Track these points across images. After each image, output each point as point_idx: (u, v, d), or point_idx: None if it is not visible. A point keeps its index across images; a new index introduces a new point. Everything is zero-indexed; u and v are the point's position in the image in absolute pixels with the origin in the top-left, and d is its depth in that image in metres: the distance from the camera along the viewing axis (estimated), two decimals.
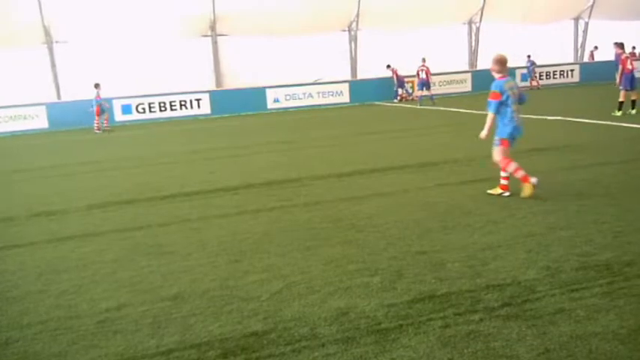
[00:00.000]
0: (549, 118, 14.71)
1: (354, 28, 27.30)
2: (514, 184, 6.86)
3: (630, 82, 14.43)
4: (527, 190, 6.65)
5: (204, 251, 5.53)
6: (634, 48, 32.20)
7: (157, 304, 4.27)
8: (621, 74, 14.63)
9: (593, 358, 3.08)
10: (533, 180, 6.65)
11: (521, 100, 6.92)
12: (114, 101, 23.16)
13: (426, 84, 23.06)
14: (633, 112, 14.35)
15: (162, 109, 24.34)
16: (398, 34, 26.97)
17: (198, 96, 24.78)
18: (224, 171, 10.35)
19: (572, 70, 29.05)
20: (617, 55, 15.35)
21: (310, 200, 7.43)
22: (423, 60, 23.23)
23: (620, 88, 14.61)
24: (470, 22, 28.96)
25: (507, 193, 6.87)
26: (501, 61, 6.79)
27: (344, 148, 12.41)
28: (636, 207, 5.97)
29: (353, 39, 27.57)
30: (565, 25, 30.86)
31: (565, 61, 29.53)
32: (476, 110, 18.28)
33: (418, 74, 23.30)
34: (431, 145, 11.85)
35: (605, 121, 13.18)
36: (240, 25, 25.17)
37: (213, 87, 25.93)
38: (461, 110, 19.00)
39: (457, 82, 27.65)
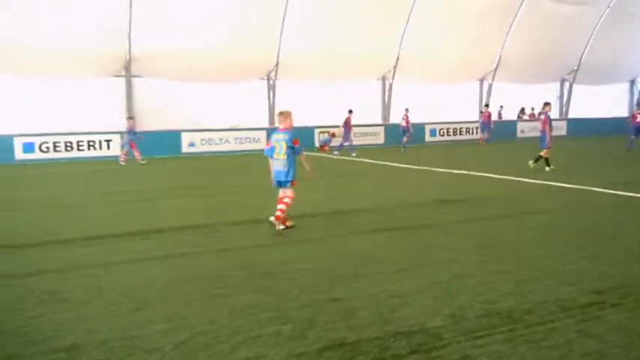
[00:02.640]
0: (455, 171, 15.48)
1: (273, 77, 27.75)
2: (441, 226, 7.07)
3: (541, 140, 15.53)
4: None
5: (103, 299, 5.20)
6: (533, 109, 35.04)
7: (49, 356, 3.93)
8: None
9: None
10: (272, 218, 8.05)
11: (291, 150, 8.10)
12: (15, 139, 21.87)
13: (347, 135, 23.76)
14: (531, 164, 15.39)
15: (69, 148, 23.21)
16: (316, 86, 27.72)
17: (108, 137, 23.92)
18: (132, 214, 9.94)
19: (476, 127, 30.99)
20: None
21: (222, 246, 7.26)
22: (349, 112, 23.85)
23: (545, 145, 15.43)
24: (383, 79, 30.33)
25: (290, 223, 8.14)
26: (281, 115, 8.32)
27: (259, 194, 12.33)
28: (534, 257, 6.33)
29: (272, 87, 27.98)
30: (471, 85, 33.16)
31: (470, 119, 31.52)
32: (390, 162, 18.96)
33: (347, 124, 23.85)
34: (344, 193, 12.05)
35: (506, 175, 14.05)
36: (156, 68, 24.82)
37: (124, 128, 25.18)
38: (374, 162, 19.59)
39: (371, 134, 28.65)
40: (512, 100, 33.78)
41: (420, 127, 28.34)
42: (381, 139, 28.43)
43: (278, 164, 8.09)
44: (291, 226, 8.17)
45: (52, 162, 22.26)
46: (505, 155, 22.30)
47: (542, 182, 12.69)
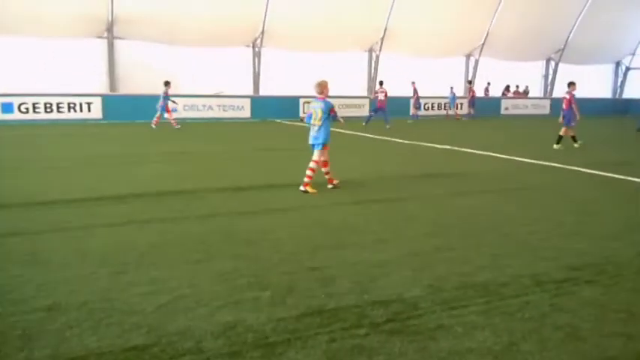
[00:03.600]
0: (438, 146, 15.57)
1: (259, 45, 27.40)
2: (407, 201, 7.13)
3: (565, 119, 15.64)
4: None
5: (84, 262, 5.19)
6: (517, 87, 35.21)
7: (29, 316, 3.93)
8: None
9: None
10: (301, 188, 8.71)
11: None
12: None
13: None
14: (575, 144, 15.54)
15: (48, 110, 22.82)
16: (302, 55, 27.46)
17: (89, 99, 23.53)
18: (112, 179, 9.85)
19: (461, 103, 31.09)
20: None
21: (203, 213, 7.26)
22: (380, 83, 23.62)
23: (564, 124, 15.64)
24: (370, 51, 30.13)
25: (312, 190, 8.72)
26: (318, 85, 8.95)
27: (242, 162, 12.31)
28: (514, 232, 6.44)
29: (257, 55, 27.65)
30: (458, 60, 33.14)
31: (457, 94, 31.59)
32: (370, 134, 18.98)
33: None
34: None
35: (489, 152, 14.17)
36: (139, 30, 24.34)
37: (106, 91, 24.77)
38: (357, 133, 19.60)
39: (355, 106, 28.58)
40: (497, 78, 33.94)
41: (405, 101, 28.35)
42: (365, 111, 28.39)
43: (313, 129, 8.96)
44: (338, 185, 9.16)
45: (32, 123, 21.89)
46: (490, 132, 22.46)
47: (525, 160, 12.84)
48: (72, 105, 23.19)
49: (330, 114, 8.89)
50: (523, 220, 7.02)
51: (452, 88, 30.19)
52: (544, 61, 35.74)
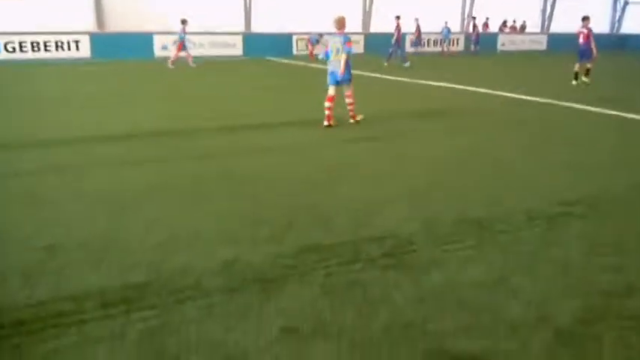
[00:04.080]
0: (433, 83, 15.40)
1: None
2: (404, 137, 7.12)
3: (580, 54, 15.25)
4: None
5: (81, 202, 5.21)
6: (514, 21, 34.46)
7: (29, 254, 3.98)
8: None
9: (462, 304, 3.33)
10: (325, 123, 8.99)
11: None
12: None
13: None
14: (585, 79, 15.23)
15: (36, 49, 22.28)
16: None
17: (76, 37, 22.94)
18: (107, 118, 9.75)
19: (457, 39, 30.53)
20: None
21: (199, 153, 7.24)
22: (397, 17, 22.69)
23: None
24: None
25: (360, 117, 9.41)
26: (336, 21, 9.06)
27: (236, 101, 12.18)
28: (508, 167, 6.48)
29: None
30: None
31: (452, 30, 30.95)
32: (366, 72, 18.70)
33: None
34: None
35: (487, 89, 14.04)
36: None
37: (94, 29, 24.12)
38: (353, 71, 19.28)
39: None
40: (494, 12, 33.15)
41: (403, 37, 27.76)
42: (360, 48, 27.86)
43: (335, 65, 9.08)
44: (362, 119, 9.49)
45: (19, 63, 21.42)
46: (487, 68, 22.16)
47: (522, 97, 12.75)
48: (60, 44, 22.64)
49: (346, 45, 8.98)
50: (517, 156, 7.05)
51: (446, 22, 29.50)
52: None
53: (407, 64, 21.37)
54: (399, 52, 22.17)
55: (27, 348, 2.87)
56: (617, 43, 35.67)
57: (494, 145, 7.74)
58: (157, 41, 24.11)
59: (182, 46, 20.34)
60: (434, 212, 4.93)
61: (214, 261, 3.88)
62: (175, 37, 20.55)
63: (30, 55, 22.07)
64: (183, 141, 7.92)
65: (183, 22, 20.42)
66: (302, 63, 22.98)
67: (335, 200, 5.26)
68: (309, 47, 24.47)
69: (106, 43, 23.31)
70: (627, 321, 3.14)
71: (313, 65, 21.40)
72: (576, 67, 15.40)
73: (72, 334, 3.00)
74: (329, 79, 9.25)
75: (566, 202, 5.22)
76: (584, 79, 15.23)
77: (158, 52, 24.13)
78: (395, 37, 22.20)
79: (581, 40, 15.25)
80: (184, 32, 20.40)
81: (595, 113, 10.53)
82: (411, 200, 5.27)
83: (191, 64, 20.42)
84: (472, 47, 29.77)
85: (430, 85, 15.13)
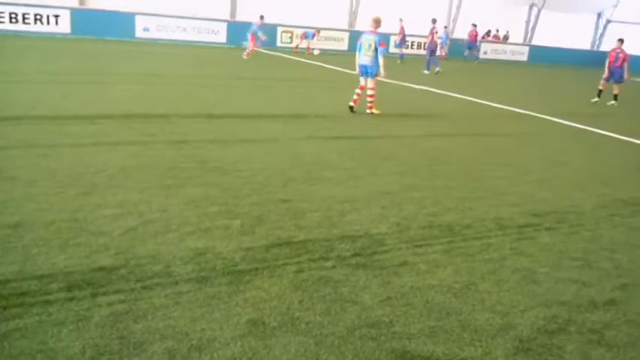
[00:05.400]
0: (415, 87, 15.50)
1: None
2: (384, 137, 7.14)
3: (611, 74, 15.12)
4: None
5: (52, 180, 5.10)
6: (497, 31, 34.86)
7: None
8: (608, 66, 15.16)
9: (429, 307, 3.37)
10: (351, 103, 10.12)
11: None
12: None
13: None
14: (612, 103, 15.02)
15: (13, 20, 21.69)
16: None
17: (57, 12, 22.40)
18: (81, 97, 9.56)
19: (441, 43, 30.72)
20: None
21: (175, 138, 7.16)
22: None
23: (603, 78, 15.23)
24: None
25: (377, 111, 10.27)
26: (374, 21, 10.16)
27: (216, 89, 12.06)
28: (482, 176, 6.56)
29: None
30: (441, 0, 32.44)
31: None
32: (350, 70, 18.71)
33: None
34: (304, 97, 11.93)
35: (468, 96, 14.18)
36: None
37: (75, 4, 23.60)
38: (336, 68, 19.31)
39: (336, 39, 27.99)
40: (479, 21, 33.35)
41: (386, 37, 27.85)
42: (344, 46, 27.87)
43: (365, 59, 10.13)
44: (378, 114, 10.20)
45: None
46: (469, 75, 22.37)
47: (499, 106, 12.91)
48: (38, 17, 22.09)
49: (379, 47, 9.96)
50: (491, 165, 7.15)
51: (445, 27, 29.64)
52: (527, 7, 35.32)
53: (438, 69, 20.71)
54: (432, 57, 21.22)
55: None
56: (596, 60, 36.33)
57: (468, 152, 7.83)
58: (140, 22, 23.72)
59: (254, 37, 20.68)
60: (406, 214, 4.97)
61: (185, 249, 3.85)
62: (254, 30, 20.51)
63: (6, 26, 21.47)
64: (158, 125, 7.82)
65: (261, 17, 21.12)
66: (286, 56, 22.88)
67: (308, 196, 5.26)
68: (304, 42, 24.33)
69: (87, 20, 22.82)
70: (589, 334, 3.22)
71: (295, 58, 21.32)
72: (601, 85, 15.25)
73: (35, 313, 2.94)
74: (359, 70, 10.34)
75: (536, 214, 5.32)
76: (613, 102, 15.06)
77: (140, 33, 23.74)
78: (429, 42, 21.44)
79: (617, 63, 15.04)
80: (259, 26, 20.78)
81: (573, 128, 10.74)
82: (384, 201, 5.30)
83: (244, 56, 20.56)
84: (466, 52, 29.98)
85: (411, 87, 15.22)
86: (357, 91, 10.32)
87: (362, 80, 10.38)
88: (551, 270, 4.07)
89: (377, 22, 10.14)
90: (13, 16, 21.65)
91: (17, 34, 21.21)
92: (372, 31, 10.11)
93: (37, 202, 4.51)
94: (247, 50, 20.67)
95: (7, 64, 13.29)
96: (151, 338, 2.82)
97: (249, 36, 20.76)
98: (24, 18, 21.85)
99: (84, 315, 2.97)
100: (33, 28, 21.96)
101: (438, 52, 21.30)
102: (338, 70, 18.57)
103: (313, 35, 23.87)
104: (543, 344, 3.07)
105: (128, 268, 3.51)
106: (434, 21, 22.11)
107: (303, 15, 23.96)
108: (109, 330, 2.85)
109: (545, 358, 2.95)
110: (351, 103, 10.27)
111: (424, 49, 30.40)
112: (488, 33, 34.76)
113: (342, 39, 28.16)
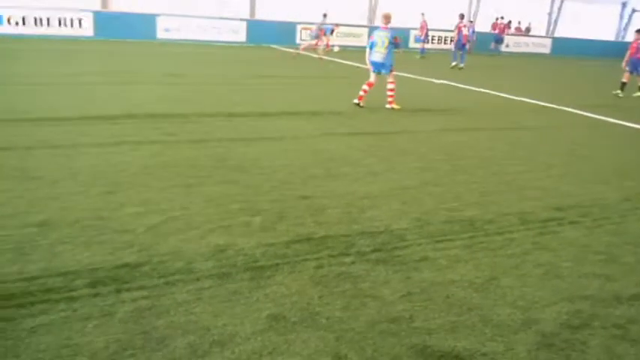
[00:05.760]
0: (435, 81, 15.39)
1: None
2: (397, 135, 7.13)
3: (633, 66, 14.80)
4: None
5: (75, 180, 5.20)
6: (519, 23, 34.34)
7: (22, 230, 3.98)
8: (629, 57, 14.86)
9: (449, 302, 3.36)
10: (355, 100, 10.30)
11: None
12: None
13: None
14: (638, 94, 14.76)
15: (38, 24, 22.12)
16: None
17: (80, 15, 22.78)
18: (103, 98, 9.71)
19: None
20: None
21: (196, 137, 7.23)
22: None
23: (627, 69, 14.89)
24: None
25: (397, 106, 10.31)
26: (385, 17, 10.38)
27: (237, 88, 12.14)
28: (503, 170, 6.49)
29: None
30: None
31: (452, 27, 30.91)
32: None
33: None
34: (324, 94, 11.94)
35: (485, 89, 14.04)
36: None
37: (97, 7, 23.95)
38: (355, 64, 19.27)
39: (354, 35, 27.92)
40: (502, 13, 32.94)
41: (402, 32, 27.67)
42: (364, 41, 27.78)
43: (378, 55, 10.25)
44: (399, 109, 10.27)
45: (21, 37, 21.26)
46: (491, 69, 22.13)
47: (520, 99, 12.76)
48: (62, 20, 22.48)
49: (393, 41, 10.14)
50: (513, 159, 7.06)
51: (471, 21, 29.37)
52: None
53: (454, 64, 20.65)
54: (461, 51, 20.97)
55: (15, 321, 2.88)
56: (621, 51, 35.60)
57: (488, 146, 7.75)
58: (161, 23, 23.97)
59: (324, 33, 21.40)
60: (426, 210, 4.95)
61: (206, 246, 3.89)
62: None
63: (32, 29, 21.89)
64: (180, 124, 7.90)
65: (325, 15, 22.07)
66: (305, 53, 22.89)
67: (328, 193, 5.27)
68: (324, 38, 24.27)
69: (109, 23, 23.16)
70: (613, 329, 3.17)
71: (315, 55, 21.33)
72: (625, 77, 14.92)
73: (61, 309, 3.01)
74: (372, 67, 10.38)
75: (559, 208, 5.24)
76: (639, 94, 14.79)
77: (161, 34, 24.00)
78: (457, 37, 21.25)
79: (634, 52, 14.82)
80: (323, 24, 21.64)
81: (594, 119, 10.56)
82: (404, 197, 5.28)
83: (321, 55, 21.10)
84: (492, 45, 29.71)
85: (429, 81, 15.11)
86: (365, 87, 10.33)
87: (372, 77, 10.40)
88: (574, 264, 4.01)
89: (387, 18, 10.27)
90: (38, 19, 22.06)
91: (41, 38, 21.61)
92: (384, 27, 10.23)
93: (62, 201, 4.60)
94: (321, 49, 21.19)
95: (30, 66, 13.56)
96: (174, 333, 2.86)
97: (316, 34, 21.43)
98: (48, 21, 22.25)
99: (108, 311, 3.02)
100: (56, 31, 22.36)
101: (467, 47, 20.97)
102: (357, 66, 18.52)
103: (332, 30, 23.78)
104: (566, 339, 3.04)
105: (151, 265, 3.56)
106: (461, 16, 21.84)
107: (321, 12, 23.92)
108: (132, 325, 2.90)
109: (568, 354, 2.91)
110: (356, 100, 10.30)
111: (445, 43, 30.23)
112: (508, 25, 34.32)
113: (362, 35, 28.07)
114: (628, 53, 15.00)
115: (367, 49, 10.47)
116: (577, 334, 3.09)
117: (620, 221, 5.03)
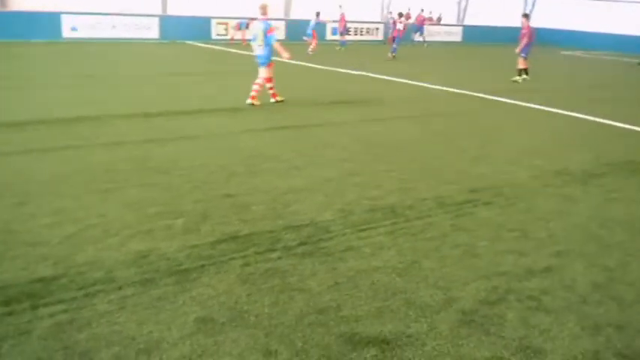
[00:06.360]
0: (354, 72, 15.62)
1: None
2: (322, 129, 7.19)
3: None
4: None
5: None
6: (431, 13, 35.43)
7: None
8: (525, 44, 15.04)
9: (375, 289, 3.45)
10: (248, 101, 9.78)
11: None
12: None
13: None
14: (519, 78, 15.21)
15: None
16: None
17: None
18: (7, 103, 9.13)
19: (376, 28, 31.13)
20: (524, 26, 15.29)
21: (111, 140, 6.96)
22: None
23: (522, 55, 15.14)
24: None
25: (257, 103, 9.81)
26: (261, 7, 9.74)
27: (151, 87, 11.77)
28: (420, 157, 6.72)
29: None
30: None
31: (372, 19, 31.49)
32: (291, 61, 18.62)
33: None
34: (240, 91, 11.81)
35: (403, 79, 14.41)
36: None
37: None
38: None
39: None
40: (411, 4, 33.83)
41: (322, 25, 27.86)
42: (281, 34, 27.69)
43: (257, 48, 9.80)
44: (282, 100, 10.04)
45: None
46: (407, 59, 22.70)
47: (435, 87, 13.20)
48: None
49: (266, 34, 9.53)
50: (429, 146, 7.33)
51: (401, 14, 29.94)
52: None
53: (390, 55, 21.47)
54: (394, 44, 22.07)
55: None
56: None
57: (405, 135, 8.00)
58: (66, 21, 22.77)
59: (239, 27, 22.09)
60: (349, 200, 5.05)
61: (126, 253, 3.78)
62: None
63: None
64: (92, 127, 7.57)
65: (318, 14, 22.37)
66: (220, 48, 22.53)
67: (251, 190, 5.25)
68: (239, 32, 23.98)
69: (7, 22, 21.72)
70: (528, 301, 3.38)
71: (233, 50, 21.05)
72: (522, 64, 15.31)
73: None
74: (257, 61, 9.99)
75: (474, 190, 5.51)
76: (517, 78, 15.24)
77: (67, 33, 22.81)
78: (392, 30, 22.84)
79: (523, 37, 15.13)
80: (316, 22, 22.31)
81: (507, 104, 11.12)
82: (327, 189, 5.35)
83: (310, 52, 21.15)
84: (416, 36, 30.53)
85: (348, 73, 15.33)
86: (258, 81, 9.86)
87: (260, 71, 9.93)
88: (489, 243, 4.24)
89: (263, 9, 9.71)
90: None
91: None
92: (261, 19, 9.70)
93: None
94: (312, 47, 21.66)
95: None
96: (97, 346, 2.76)
97: (310, 32, 22.19)
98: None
99: (25, 328, 2.88)
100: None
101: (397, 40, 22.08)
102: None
103: (247, 25, 23.54)
104: (485, 315, 3.21)
105: (69, 277, 3.41)
106: (400, 15, 23.28)
107: (235, 5, 23.67)
108: (52, 342, 2.78)
109: (487, 328, 3.08)
110: (249, 100, 9.79)
111: (361, 34, 30.71)
112: (431, 18, 35.39)
113: (279, 27, 27.94)
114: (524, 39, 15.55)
115: (252, 44, 10.02)
116: (495, 309, 3.27)
117: (531, 199, 5.35)
